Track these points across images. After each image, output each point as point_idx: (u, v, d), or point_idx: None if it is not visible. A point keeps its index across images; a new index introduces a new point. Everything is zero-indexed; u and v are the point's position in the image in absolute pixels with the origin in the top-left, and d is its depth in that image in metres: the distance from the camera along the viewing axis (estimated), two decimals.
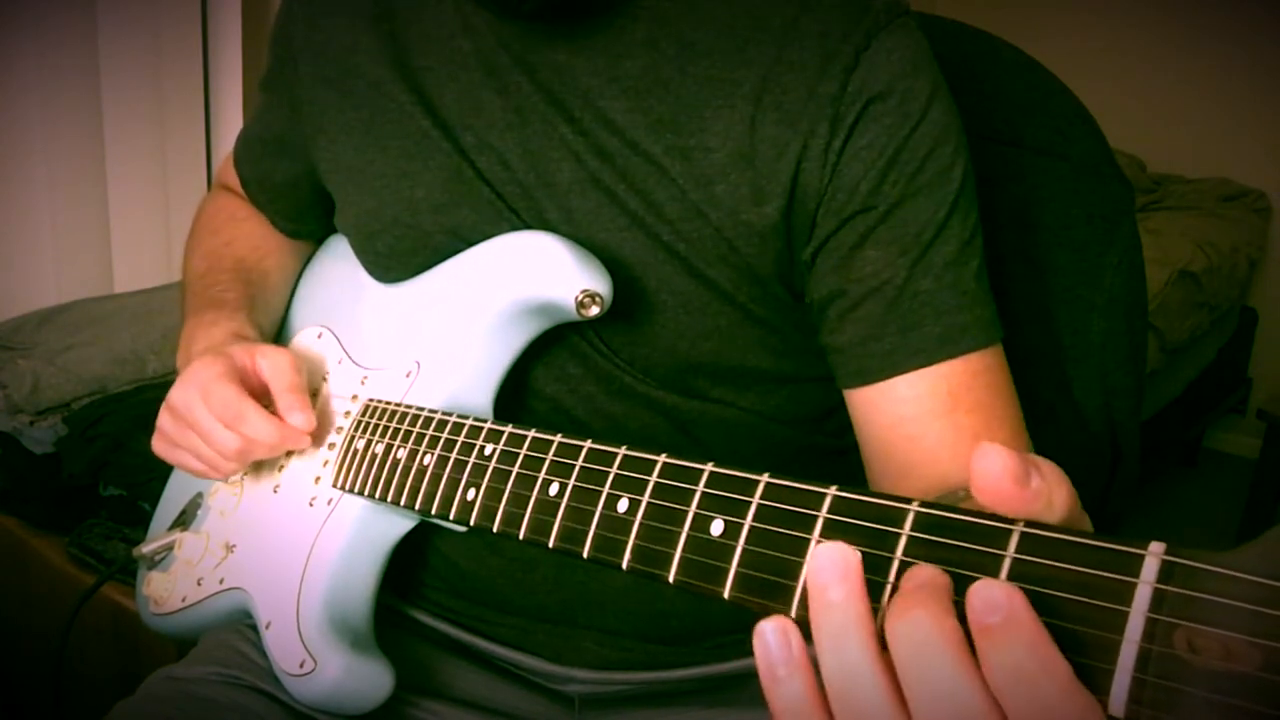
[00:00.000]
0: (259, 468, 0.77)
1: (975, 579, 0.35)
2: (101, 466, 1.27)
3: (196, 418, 0.71)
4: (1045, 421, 0.82)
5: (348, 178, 0.76)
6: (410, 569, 0.78)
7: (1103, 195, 0.80)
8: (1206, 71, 3.05)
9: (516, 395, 0.72)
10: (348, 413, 0.73)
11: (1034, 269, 0.81)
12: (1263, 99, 2.98)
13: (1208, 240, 2.64)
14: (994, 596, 0.32)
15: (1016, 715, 0.32)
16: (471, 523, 0.58)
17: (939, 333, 0.64)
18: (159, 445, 0.76)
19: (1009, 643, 0.32)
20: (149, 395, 1.35)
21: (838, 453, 0.78)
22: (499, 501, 0.56)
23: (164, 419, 0.75)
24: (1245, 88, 3.00)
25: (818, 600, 0.36)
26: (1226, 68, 3.02)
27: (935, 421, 0.64)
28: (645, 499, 0.48)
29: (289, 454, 0.76)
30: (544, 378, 0.72)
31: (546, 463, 0.54)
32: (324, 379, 0.78)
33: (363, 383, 0.75)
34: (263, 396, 0.72)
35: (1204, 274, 2.55)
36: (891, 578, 0.38)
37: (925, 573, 0.36)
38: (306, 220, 0.89)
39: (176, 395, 0.73)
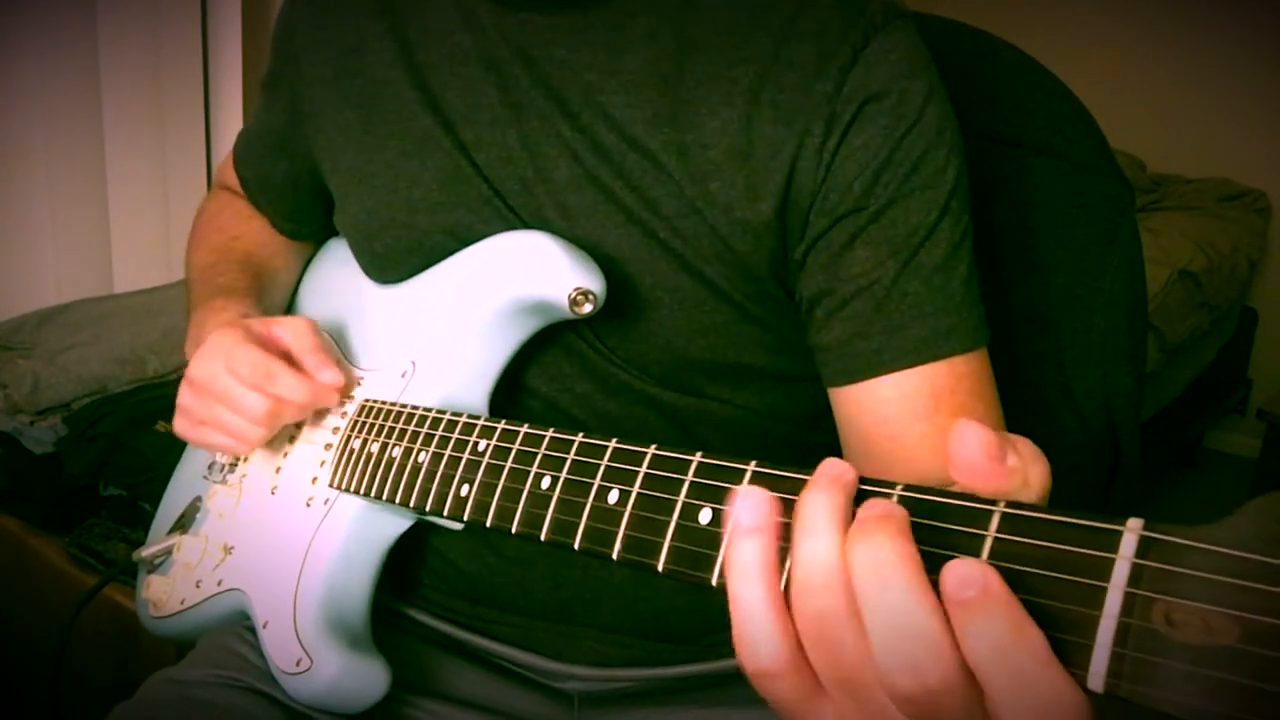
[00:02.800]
0: (259, 468, 0.78)
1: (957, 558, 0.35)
2: (101, 466, 1.28)
3: (223, 387, 0.70)
4: (1045, 421, 0.82)
5: (347, 177, 0.76)
6: (409, 569, 0.78)
7: (1103, 195, 0.80)
8: (1206, 71, 3.05)
9: (512, 394, 0.72)
10: (344, 413, 0.73)
11: (1034, 269, 0.81)
12: (1263, 99, 2.98)
13: (1208, 240, 2.64)
14: (968, 572, 0.33)
15: (994, 688, 0.33)
16: (465, 518, 0.58)
17: (924, 335, 0.64)
18: (180, 425, 0.75)
19: (985, 616, 0.33)
20: (149, 395, 1.35)
21: (835, 450, 0.78)
22: (492, 496, 0.56)
23: (184, 396, 0.73)
24: (1245, 88, 3.00)
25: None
26: (1226, 68, 3.02)
27: (917, 422, 0.64)
28: (635, 489, 0.48)
29: (286, 454, 0.76)
30: (539, 376, 0.72)
31: (539, 457, 0.55)
32: None
33: (359, 383, 0.75)
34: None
35: (1204, 274, 2.55)
36: None
37: (882, 505, 0.37)
38: (306, 221, 0.89)
39: (197, 369, 0.72)
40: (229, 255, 0.87)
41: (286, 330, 0.73)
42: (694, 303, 0.67)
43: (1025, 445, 0.37)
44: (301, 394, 0.69)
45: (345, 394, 0.74)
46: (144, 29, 1.63)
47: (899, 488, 0.39)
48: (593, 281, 0.64)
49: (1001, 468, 0.36)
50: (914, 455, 0.64)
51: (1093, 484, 0.84)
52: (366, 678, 0.66)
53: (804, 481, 0.41)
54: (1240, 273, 2.80)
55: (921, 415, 0.64)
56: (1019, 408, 0.69)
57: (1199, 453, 3.10)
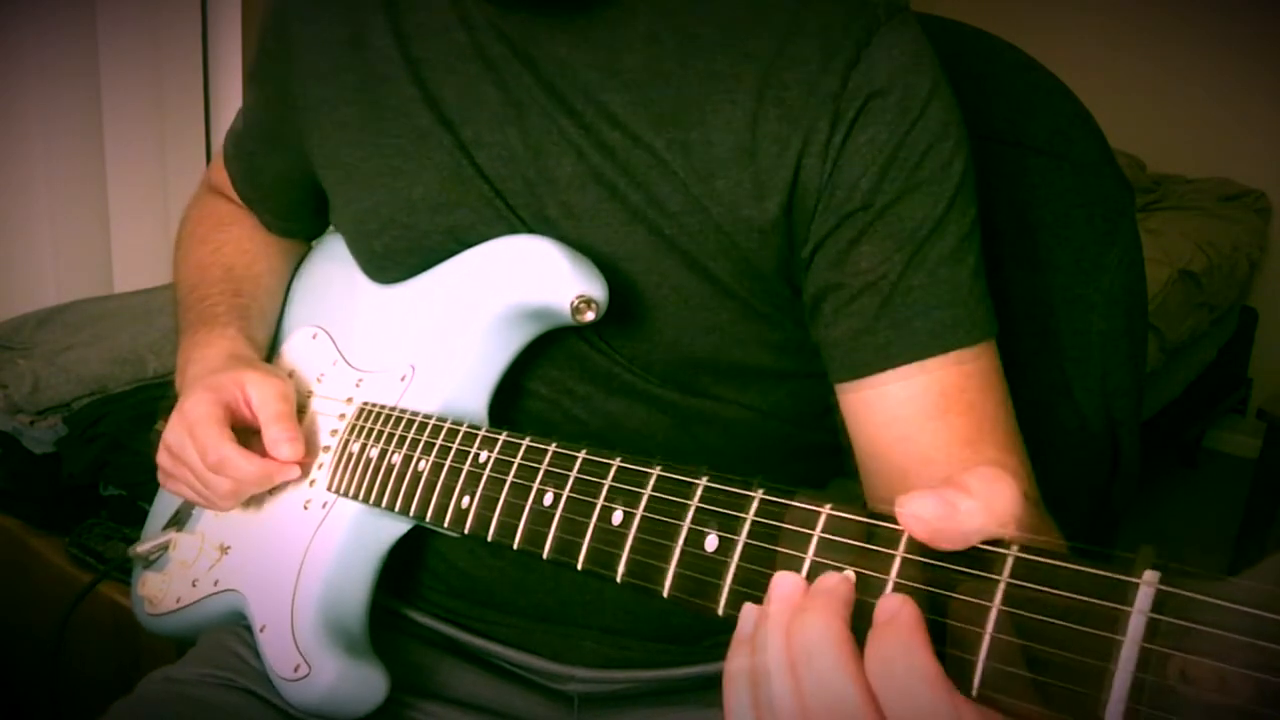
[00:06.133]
0: None
1: (970, 603, 0.35)
2: (101, 466, 1.27)
3: (189, 460, 0.72)
4: (1045, 421, 0.82)
5: (344, 175, 0.75)
6: (408, 570, 0.78)
7: (1103, 195, 0.80)
8: (1206, 71, 3.05)
9: (513, 396, 0.72)
10: (342, 415, 0.73)
11: (1034, 269, 0.81)
12: (1263, 99, 2.98)
13: (1208, 240, 2.64)
14: (888, 604, 0.36)
15: (886, 706, 0.35)
16: (466, 531, 0.58)
17: (930, 328, 0.63)
18: (161, 478, 0.78)
19: (887, 640, 0.35)
20: (149, 395, 1.35)
21: (838, 450, 0.78)
22: (493, 511, 0.56)
23: (162, 457, 0.76)
24: (1245, 88, 3.00)
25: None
26: (1226, 68, 3.01)
27: (928, 423, 0.64)
28: (639, 512, 0.48)
29: None
30: (541, 377, 0.71)
31: (541, 472, 0.54)
32: (318, 380, 0.78)
33: (357, 385, 0.74)
34: (255, 425, 0.73)
35: (1204, 274, 2.55)
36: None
37: (831, 580, 0.39)
38: (298, 218, 0.89)
39: (170, 436, 0.74)
40: (209, 274, 0.87)
41: (255, 394, 0.73)
42: (699, 300, 0.67)
43: (978, 479, 0.36)
44: (255, 479, 0.71)
45: (309, 435, 0.74)
46: (144, 29, 1.63)
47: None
48: (595, 289, 0.63)
49: (958, 518, 0.36)
50: (926, 457, 0.64)
51: (1092, 484, 0.84)
52: (364, 684, 0.66)
53: (812, 513, 0.41)
54: (1240, 273, 2.80)
55: (932, 414, 0.64)
56: (1018, 407, 0.69)
57: (1199, 453, 3.10)
